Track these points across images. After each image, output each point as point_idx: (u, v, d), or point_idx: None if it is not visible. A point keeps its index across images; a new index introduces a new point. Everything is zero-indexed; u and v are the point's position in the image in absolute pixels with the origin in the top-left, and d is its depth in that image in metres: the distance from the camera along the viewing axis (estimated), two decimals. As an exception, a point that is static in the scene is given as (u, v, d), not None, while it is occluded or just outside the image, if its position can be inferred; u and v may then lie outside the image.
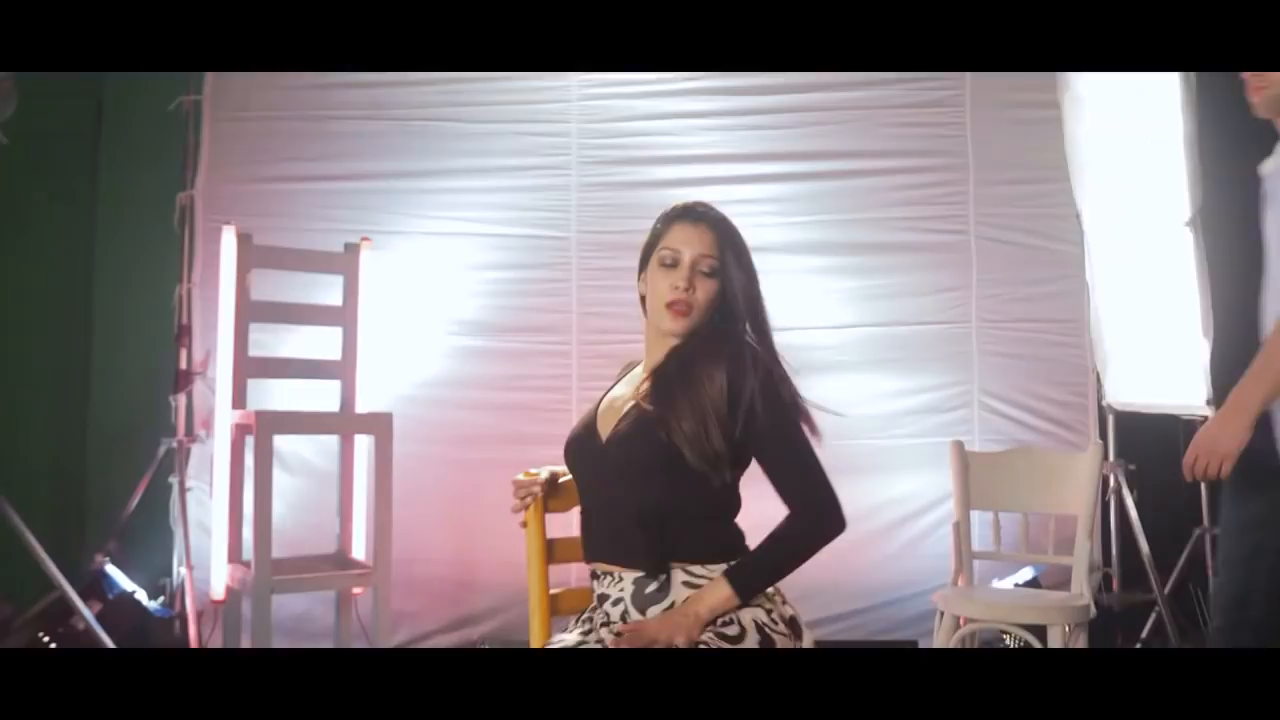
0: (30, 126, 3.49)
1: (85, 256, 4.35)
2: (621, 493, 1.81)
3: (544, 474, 2.01)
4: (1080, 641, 2.76)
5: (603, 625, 1.85)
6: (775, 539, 1.82)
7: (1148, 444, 3.82)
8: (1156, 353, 3.51)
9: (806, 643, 1.87)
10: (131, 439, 4.08)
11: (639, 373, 1.97)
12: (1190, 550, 3.69)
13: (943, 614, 2.80)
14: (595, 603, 1.89)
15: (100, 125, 4.41)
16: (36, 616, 3.46)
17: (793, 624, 1.85)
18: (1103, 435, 3.84)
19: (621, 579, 1.83)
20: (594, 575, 1.89)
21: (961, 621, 2.77)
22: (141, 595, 3.54)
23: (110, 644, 3.26)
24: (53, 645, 3.32)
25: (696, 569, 1.79)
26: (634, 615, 1.81)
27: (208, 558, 3.58)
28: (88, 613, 3.28)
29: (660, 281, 1.87)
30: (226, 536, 3.22)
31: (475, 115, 3.96)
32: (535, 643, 1.95)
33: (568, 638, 1.86)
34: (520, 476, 2.00)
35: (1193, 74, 3.39)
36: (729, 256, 1.91)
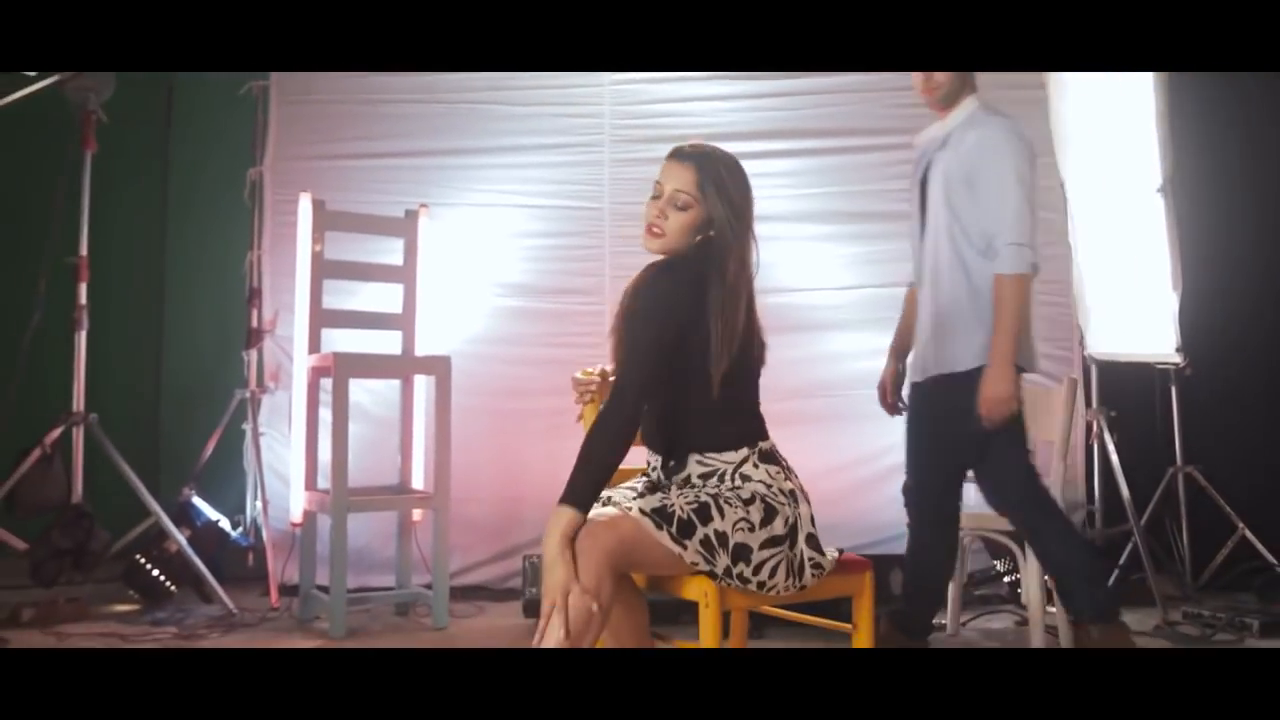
0: (108, 106, 3.89)
1: (159, 227, 4.79)
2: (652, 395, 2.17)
3: (597, 371, 2.40)
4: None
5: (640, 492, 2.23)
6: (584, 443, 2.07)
7: (1128, 392, 4.20)
8: (1132, 307, 3.90)
9: (804, 512, 2.24)
10: (203, 391, 4.50)
11: None
12: (1164, 487, 4.06)
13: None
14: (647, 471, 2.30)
15: (171, 106, 4.85)
16: (133, 542, 3.88)
17: (792, 496, 2.23)
18: (1086, 385, 4.21)
19: (655, 457, 2.25)
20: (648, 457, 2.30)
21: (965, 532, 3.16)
22: (225, 523, 3.96)
23: (201, 564, 3.68)
24: (150, 567, 3.73)
25: (710, 455, 2.18)
26: (665, 483, 2.21)
27: (278, 496, 4.01)
28: (180, 536, 3.70)
29: (648, 209, 2.28)
30: (304, 467, 3.63)
31: (517, 99, 4.36)
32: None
33: (617, 494, 2.25)
34: (578, 375, 2.40)
35: (1164, 56, 3.77)
36: (709, 190, 2.25)
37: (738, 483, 2.17)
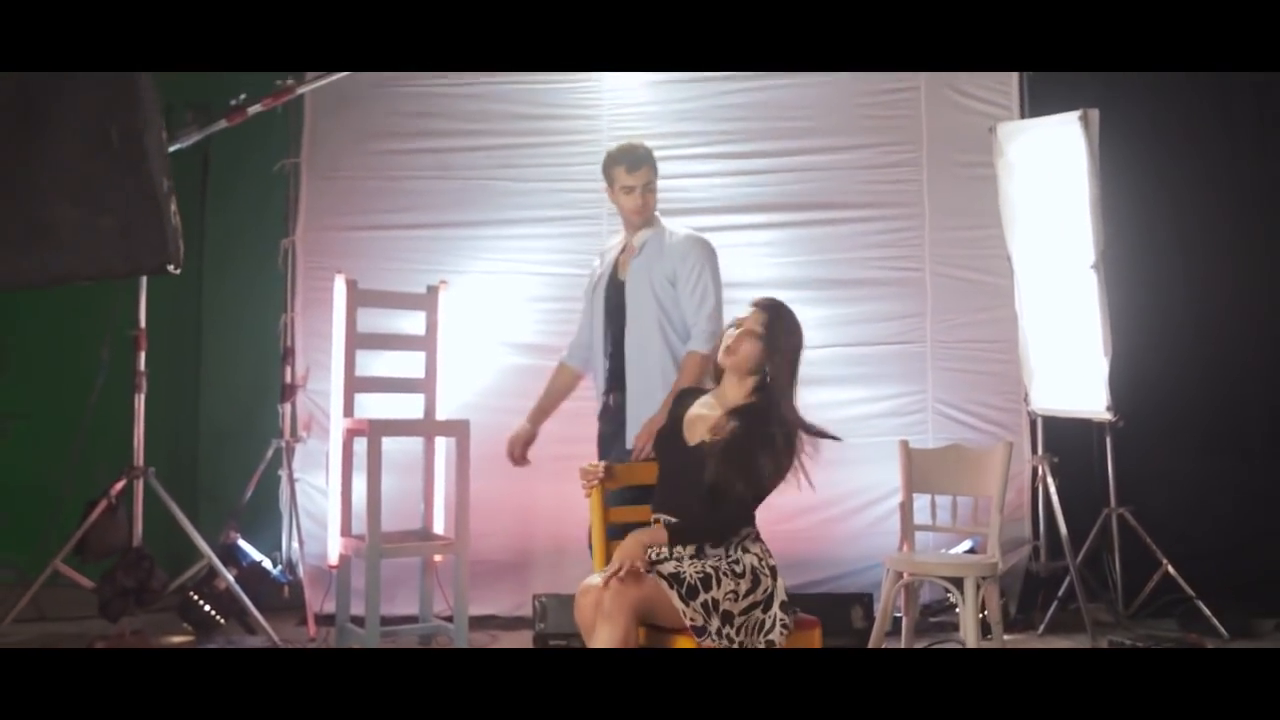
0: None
1: (196, 285, 5.27)
2: (692, 480, 2.79)
3: (602, 466, 2.93)
4: (992, 593, 3.65)
5: (659, 555, 2.79)
6: (700, 519, 2.80)
7: (1071, 440, 4.71)
8: (1069, 369, 4.40)
9: (780, 586, 2.79)
10: (238, 440, 4.99)
11: (712, 400, 2.92)
12: (1100, 526, 4.57)
13: (889, 571, 3.70)
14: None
15: (206, 182, 5.31)
16: (187, 580, 4.38)
17: (773, 571, 2.79)
18: (1032, 434, 4.71)
19: (674, 522, 2.80)
20: (655, 520, 2.85)
21: (904, 577, 3.67)
22: (268, 564, 4.46)
23: (247, 600, 4.17)
24: (202, 603, 4.22)
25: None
26: (680, 549, 2.78)
27: (314, 536, 4.51)
28: (228, 575, 4.20)
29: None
30: (339, 515, 4.13)
31: (524, 176, 4.84)
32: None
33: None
34: (585, 466, 2.92)
35: (1097, 146, 4.29)
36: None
37: (736, 555, 2.78)
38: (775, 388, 2.89)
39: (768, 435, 2.83)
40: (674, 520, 2.80)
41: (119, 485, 4.18)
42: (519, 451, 3.72)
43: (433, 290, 4.36)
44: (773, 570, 2.81)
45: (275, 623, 4.30)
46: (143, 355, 4.27)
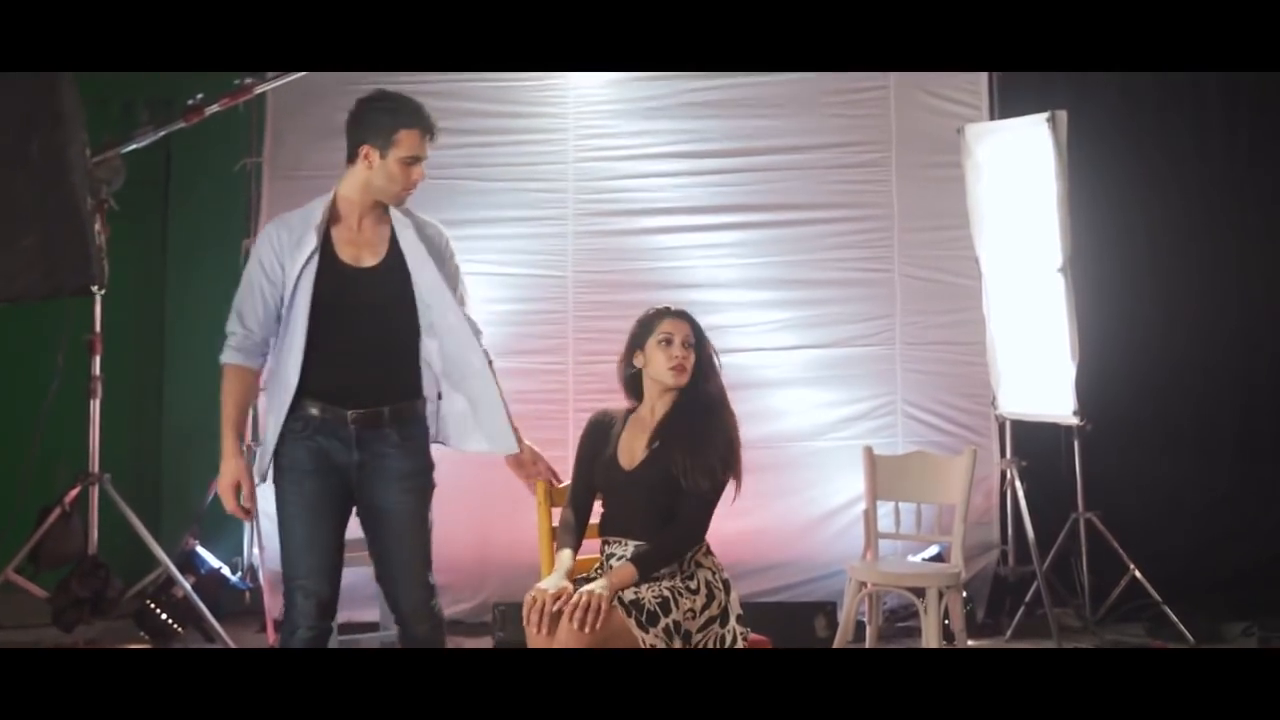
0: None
1: (159, 290, 5.20)
2: (643, 499, 2.76)
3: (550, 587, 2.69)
4: (956, 601, 3.62)
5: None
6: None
7: (1040, 444, 4.68)
8: (1037, 373, 4.36)
9: (734, 599, 2.76)
10: (202, 444, 4.90)
11: (635, 418, 2.88)
12: (1067, 531, 4.54)
13: (851, 580, 3.66)
14: (603, 561, 2.79)
15: (169, 182, 5.24)
16: (143, 590, 4.32)
17: (725, 584, 2.75)
18: (1001, 438, 4.68)
19: (625, 545, 2.76)
20: (605, 543, 2.82)
21: (868, 586, 3.63)
22: (226, 571, 4.40)
23: (205, 609, 4.12)
24: (159, 612, 4.16)
25: None
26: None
27: (273, 540, 4.44)
28: (186, 584, 4.14)
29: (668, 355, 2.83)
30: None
31: (488, 175, 4.77)
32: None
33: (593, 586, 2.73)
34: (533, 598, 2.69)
35: (1065, 147, 4.25)
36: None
37: (690, 569, 2.75)
38: (697, 374, 2.86)
39: (712, 412, 2.83)
40: (640, 546, 2.74)
41: (74, 492, 4.11)
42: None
43: (393, 293, 4.28)
44: (726, 584, 2.79)
45: (235, 630, 4.25)
46: (98, 360, 4.20)
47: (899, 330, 4.73)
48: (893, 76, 4.74)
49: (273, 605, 4.33)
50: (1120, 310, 4.63)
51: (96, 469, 4.16)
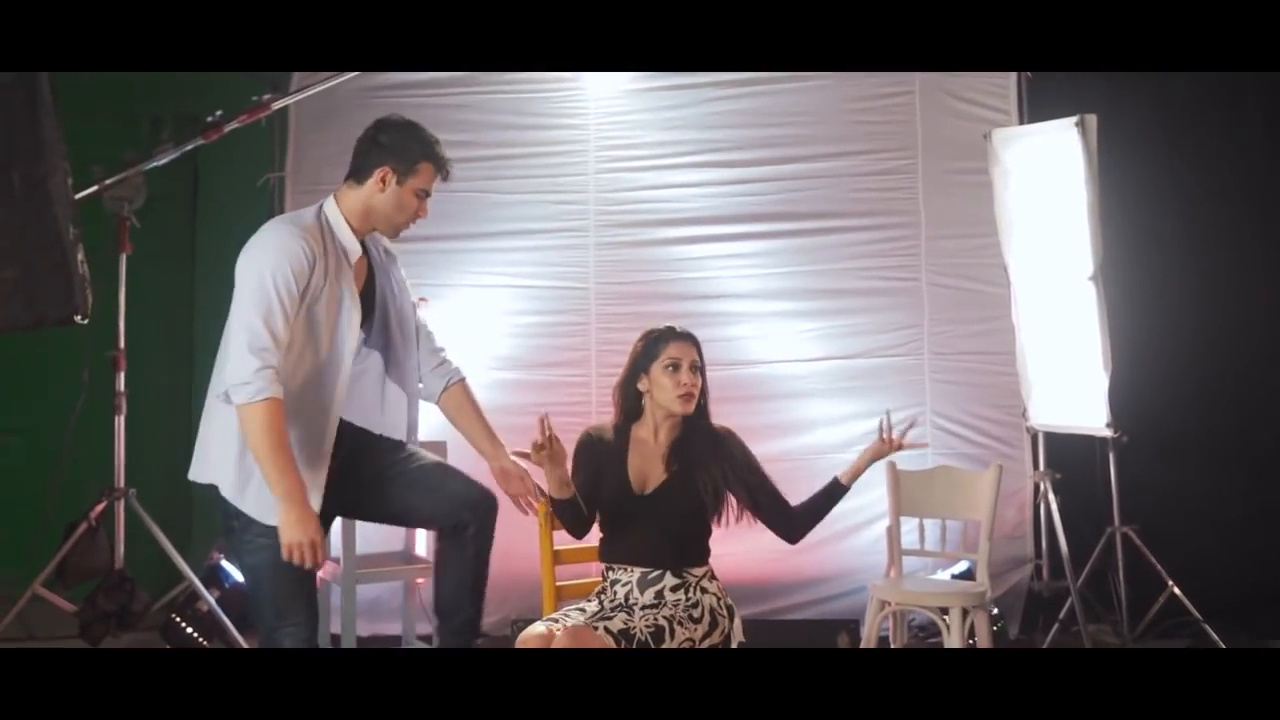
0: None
1: (188, 300, 5.25)
2: (658, 524, 2.73)
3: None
4: (982, 620, 3.52)
5: (613, 606, 2.71)
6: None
7: (1073, 456, 4.56)
8: (1068, 383, 4.25)
9: (737, 627, 2.72)
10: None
11: (640, 441, 2.84)
12: (1103, 545, 4.41)
13: (873, 598, 3.58)
14: (606, 585, 2.75)
15: (196, 191, 5.30)
16: (169, 603, 4.35)
17: (730, 610, 2.71)
18: (1034, 451, 4.57)
19: (631, 571, 2.72)
20: (608, 569, 2.77)
21: (890, 604, 3.55)
22: (250, 585, 4.41)
23: (229, 623, 4.13)
24: (185, 625, 4.19)
25: (688, 570, 2.75)
26: (637, 594, 2.70)
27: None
28: (210, 599, 4.16)
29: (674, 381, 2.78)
30: (317, 539, 4.07)
31: (510, 188, 4.74)
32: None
33: (589, 606, 2.70)
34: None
35: (1095, 152, 4.14)
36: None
37: (695, 597, 2.70)
38: (702, 394, 2.87)
39: (719, 441, 2.84)
40: (650, 573, 2.74)
41: (99, 507, 4.15)
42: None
43: (412, 307, 4.27)
44: (730, 610, 2.75)
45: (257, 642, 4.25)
46: (122, 377, 4.23)
47: (927, 340, 4.65)
48: (918, 81, 4.65)
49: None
50: (1154, 319, 4.50)
51: (122, 484, 4.20)
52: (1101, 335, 4.10)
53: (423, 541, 4.21)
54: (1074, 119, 4.13)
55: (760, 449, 4.50)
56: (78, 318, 2.35)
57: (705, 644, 2.66)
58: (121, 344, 4.23)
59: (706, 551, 2.83)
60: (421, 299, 4.32)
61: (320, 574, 4.00)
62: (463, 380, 2.90)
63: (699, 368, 2.81)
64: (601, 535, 2.84)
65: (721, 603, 2.75)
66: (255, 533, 2.59)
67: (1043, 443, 4.56)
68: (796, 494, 4.53)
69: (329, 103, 4.66)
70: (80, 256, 2.08)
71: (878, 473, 3.94)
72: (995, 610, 4.25)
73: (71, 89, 5.15)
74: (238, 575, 4.43)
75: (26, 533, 4.45)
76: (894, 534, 3.74)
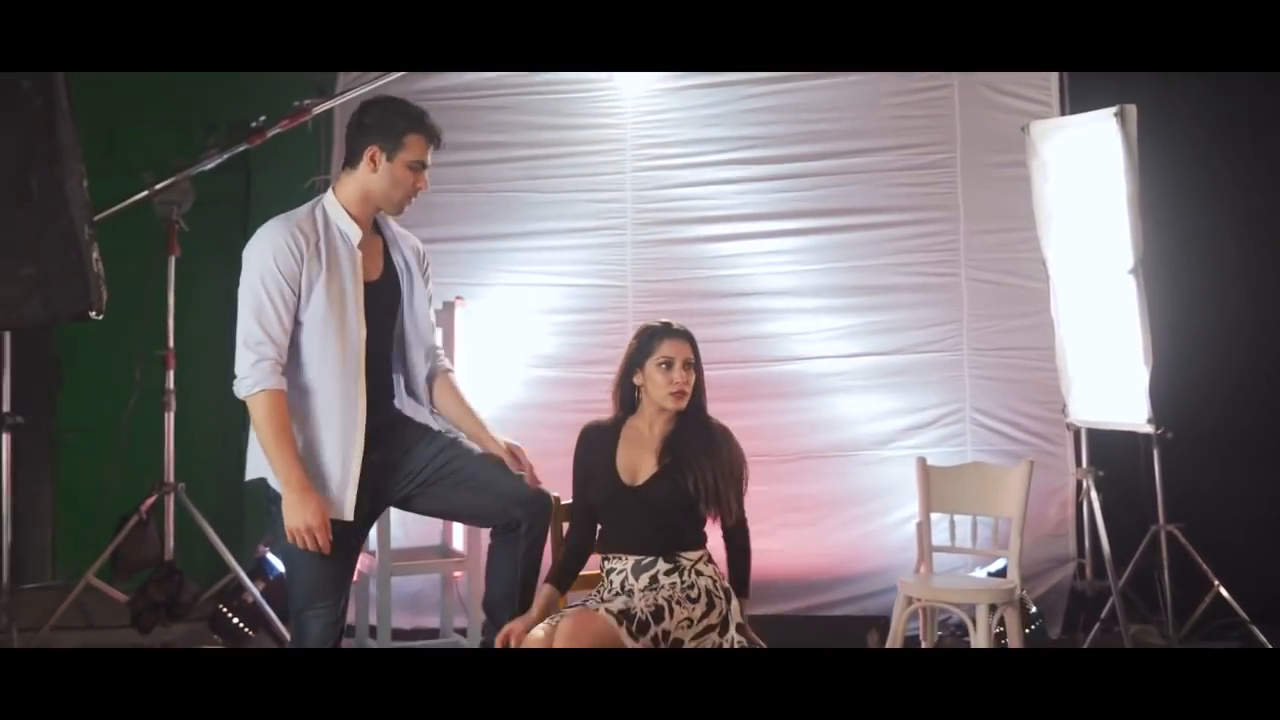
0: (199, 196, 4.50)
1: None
2: (648, 515, 2.76)
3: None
4: (1012, 618, 3.48)
5: (611, 595, 2.74)
6: (743, 568, 2.92)
7: (1117, 453, 4.47)
8: (1109, 378, 4.18)
9: (735, 608, 2.80)
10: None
11: (634, 434, 2.85)
12: (1147, 544, 4.32)
13: (900, 594, 3.56)
14: (604, 577, 2.80)
15: (250, 191, 5.44)
16: (216, 594, 4.48)
17: (726, 593, 2.80)
18: (1076, 447, 4.49)
19: (625, 559, 2.76)
20: (605, 559, 2.81)
21: (915, 601, 3.53)
22: (294, 577, 4.53)
23: (273, 614, 4.25)
24: (231, 616, 4.31)
25: (683, 553, 2.79)
26: (632, 581, 2.74)
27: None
28: (255, 590, 4.28)
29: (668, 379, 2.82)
30: (356, 532, 4.17)
31: (547, 187, 4.78)
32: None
33: (590, 603, 2.74)
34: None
35: (1134, 143, 4.06)
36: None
37: (690, 580, 2.72)
38: (697, 391, 2.89)
39: (717, 428, 2.87)
40: (644, 560, 2.77)
41: (149, 501, 4.30)
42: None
43: (448, 306, 4.36)
44: (726, 592, 2.80)
45: (305, 634, 4.36)
46: (171, 374, 4.38)
47: (966, 335, 4.60)
48: (957, 74, 4.60)
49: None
50: (1197, 313, 4.40)
51: (171, 479, 4.34)
52: (1142, 330, 4.02)
53: (460, 536, 4.28)
54: (1113, 109, 4.05)
55: (797, 446, 4.63)
56: (93, 314, 2.46)
57: (703, 623, 2.69)
58: (171, 343, 4.37)
59: (702, 537, 2.85)
60: (458, 298, 4.44)
61: (359, 566, 4.12)
62: (449, 371, 2.96)
63: (693, 365, 2.83)
64: (600, 528, 2.88)
65: (718, 585, 2.77)
66: None
67: (1085, 439, 4.48)
68: (829, 491, 4.58)
69: (372, 106, 4.77)
70: (95, 255, 2.18)
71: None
72: (1034, 609, 4.18)
73: (122, 95, 5.40)
74: (281, 567, 4.55)
75: (88, 526, 4.64)
76: (923, 530, 3.70)
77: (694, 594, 2.71)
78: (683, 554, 2.78)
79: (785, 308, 4.69)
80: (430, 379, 2.89)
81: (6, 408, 4.29)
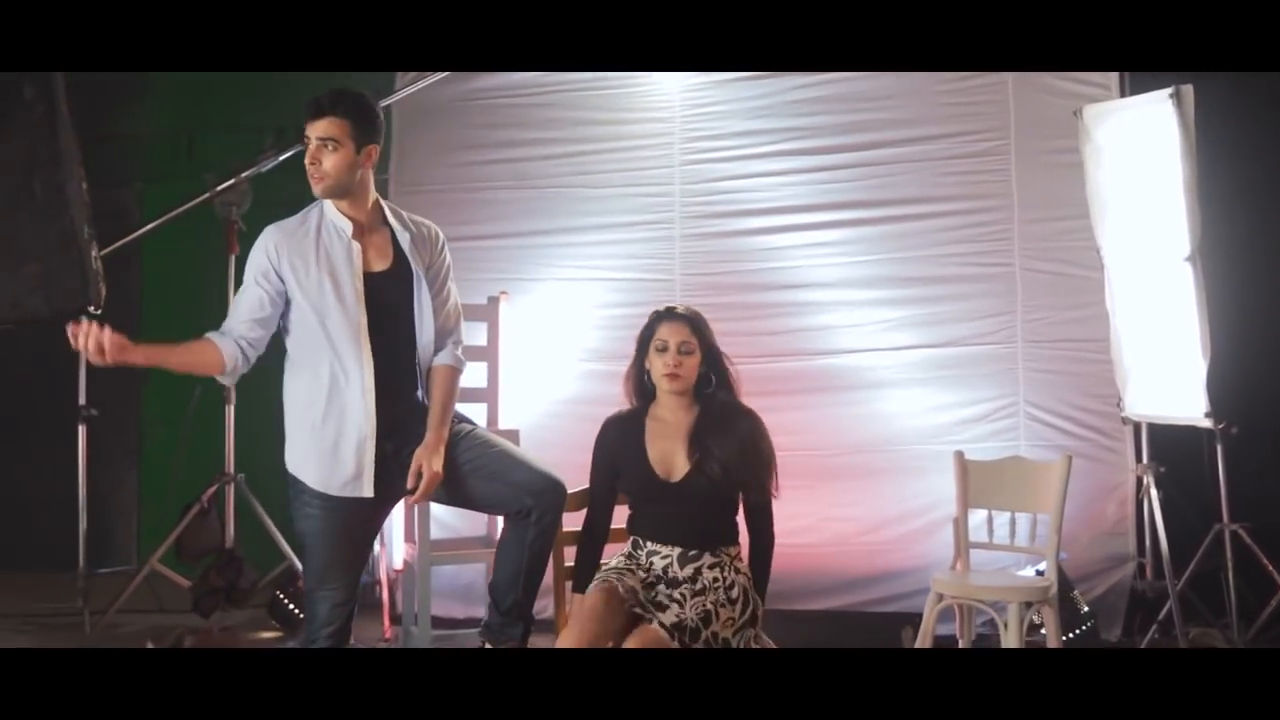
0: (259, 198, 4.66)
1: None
2: (689, 511, 2.81)
3: None
4: (1050, 617, 3.37)
5: (653, 579, 2.80)
6: (765, 559, 2.91)
7: (1180, 448, 4.29)
8: (1166, 371, 4.01)
9: (758, 599, 2.82)
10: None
11: (661, 427, 2.87)
12: (1210, 544, 4.14)
13: (931, 591, 3.48)
14: (639, 555, 2.84)
15: (306, 195, 5.60)
16: (274, 581, 4.64)
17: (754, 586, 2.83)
18: (1137, 442, 4.33)
19: (671, 548, 2.81)
20: (639, 542, 2.86)
21: (947, 598, 3.45)
22: (347, 565, 4.66)
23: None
24: (287, 602, 4.46)
25: (723, 549, 2.84)
26: (676, 569, 2.79)
27: (393, 539, 4.67)
28: (308, 577, 4.41)
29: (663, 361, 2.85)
30: (404, 523, 4.27)
31: (595, 182, 4.82)
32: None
33: (626, 576, 2.79)
34: None
35: (1192, 126, 3.89)
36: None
37: (730, 577, 2.79)
38: (719, 385, 2.90)
39: (745, 418, 2.86)
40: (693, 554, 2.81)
41: (211, 490, 4.48)
42: None
43: (493, 301, 4.43)
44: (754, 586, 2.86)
45: (365, 621, 4.49)
46: (232, 368, 4.54)
47: (1020, 327, 4.47)
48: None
49: (387, 596, 4.56)
50: (1257, 303, 4.19)
51: (231, 470, 4.51)
52: (1199, 320, 3.85)
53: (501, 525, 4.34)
54: (1169, 90, 3.89)
55: (846, 440, 4.57)
56: (91, 308, 2.59)
57: (742, 620, 2.76)
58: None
59: (736, 529, 2.90)
60: (503, 292, 4.51)
61: (405, 556, 4.22)
62: (450, 366, 2.93)
63: (694, 348, 2.82)
64: (630, 510, 2.90)
65: (749, 582, 2.84)
66: (304, 500, 2.84)
67: (1145, 434, 4.31)
68: (879, 485, 4.50)
69: (427, 106, 4.88)
70: (94, 253, 2.29)
71: (978, 458, 3.83)
72: (1085, 609, 4.05)
73: (200, 102, 5.62)
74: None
75: (167, 514, 4.86)
76: (960, 526, 3.62)
77: (734, 594, 2.78)
78: (724, 549, 2.84)
79: (834, 300, 4.63)
80: (428, 367, 2.93)
81: (82, 401, 4.52)
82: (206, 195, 4.46)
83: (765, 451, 2.86)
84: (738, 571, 2.82)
